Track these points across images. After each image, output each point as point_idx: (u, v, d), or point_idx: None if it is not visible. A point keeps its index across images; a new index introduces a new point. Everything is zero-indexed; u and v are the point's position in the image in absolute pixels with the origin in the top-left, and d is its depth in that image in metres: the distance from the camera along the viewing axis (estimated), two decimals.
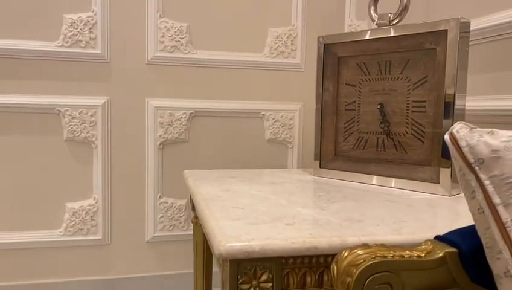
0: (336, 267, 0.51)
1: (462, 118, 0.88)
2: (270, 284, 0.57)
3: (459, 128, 0.44)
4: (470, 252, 0.50)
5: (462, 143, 0.43)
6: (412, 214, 0.72)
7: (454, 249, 0.50)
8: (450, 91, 0.87)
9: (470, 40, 0.92)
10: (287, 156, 2.05)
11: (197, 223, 1.14)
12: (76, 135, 1.78)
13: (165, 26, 1.83)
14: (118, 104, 1.83)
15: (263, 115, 1.96)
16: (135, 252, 1.89)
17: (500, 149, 0.41)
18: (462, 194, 0.90)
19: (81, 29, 1.76)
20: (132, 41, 1.83)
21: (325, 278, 0.59)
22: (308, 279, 0.58)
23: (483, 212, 0.42)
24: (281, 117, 1.98)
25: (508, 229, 0.39)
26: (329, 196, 0.84)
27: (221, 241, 0.54)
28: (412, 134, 0.95)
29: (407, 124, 0.95)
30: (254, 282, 0.56)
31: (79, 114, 1.78)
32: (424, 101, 0.92)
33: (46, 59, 1.75)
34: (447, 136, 0.45)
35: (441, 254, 0.50)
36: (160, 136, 1.86)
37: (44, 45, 1.74)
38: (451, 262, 0.50)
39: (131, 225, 1.88)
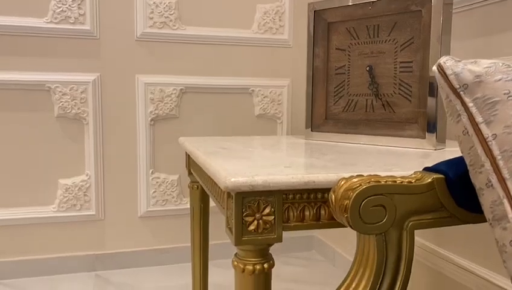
0: (333, 195, 0.56)
1: None
2: (272, 217, 0.61)
3: (446, 60, 0.49)
4: (455, 178, 0.55)
5: (449, 72, 0.47)
6: (401, 161, 0.77)
7: (441, 176, 0.55)
8: (435, 51, 0.92)
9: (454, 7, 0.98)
10: (276, 132, 2.09)
11: (194, 188, 1.17)
12: (68, 111, 1.79)
13: (154, 2, 1.84)
14: (108, 80, 1.84)
15: (252, 91, 2.00)
16: (128, 227, 1.92)
17: (482, 74, 0.45)
18: (447, 148, 0.96)
19: (69, 5, 1.76)
20: (121, 17, 1.84)
21: (322, 212, 0.63)
22: (307, 213, 0.63)
23: (468, 132, 0.47)
24: (270, 93, 2.02)
25: (489, 143, 0.44)
26: (322, 151, 0.89)
27: (227, 176, 0.58)
28: (399, 94, 1.00)
29: (395, 84, 1.00)
30: (257, 215, 0.60)
31: (69, 91, 1.79)
32: (411, 62, 0.97)
33: (34, 36, 1.75)
34: (435, 68, 0.50)
35: (429, 180, 0.54)
36: (151, 112, 1.88)
37: (32, 21, 1.74)
38: (439, 187, 0.55)
39: (124, 201, 1.90)
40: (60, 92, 1.77)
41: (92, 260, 1.87)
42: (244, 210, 0.60)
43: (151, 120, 1.89)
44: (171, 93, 1.90)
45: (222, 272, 1.84)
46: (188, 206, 1.95)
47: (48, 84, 1.76)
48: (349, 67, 1.08)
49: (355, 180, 0.54)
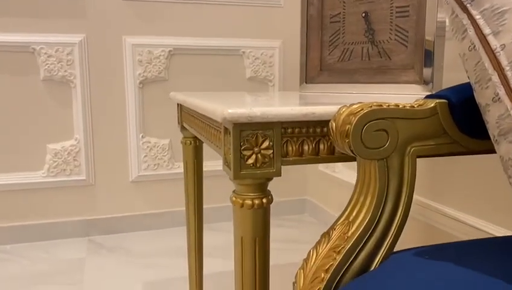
0: (334, 123, 0.54)
1: (443, 19, 0.91)
2: (271, 151, 0.60)
3: None
4: (458, 102, 0.53)
5: None
6: (401, 100, 0.76)
7: (444, 100, 0.54)
8: None
9: None
10: None
11: (186, 143, 1.15)
12: (54, 74, 1.74)
13: None
14: (94, 42, 1.79)
15: (243, 52, 1.96)
16: (120, 192, 1.90)
17: None
18: None
19: None
20: None
21: (321, 146, 0.62)
22: (306, 147, 0.61)
23: (474, 47, 0.45)
24: (261, 55, 1.98)
25: (496, 54, 0.43)
26: (318, 100, 0.87)
27: (224, 108, 0.56)
28: (395, 40, 0.98)
29: (391, 30, 0.98)
30: (256, 149, 0.59)
31: (55, 52, 1.74)
32: (407, 6, 0.95)
33: None
34: None
35: (432, 104, 0.53)
36: (139, 74, 1.84)
37: None
38: (442, 112, 0.53)
39: (115, 165, 1.88)
40: (45, 53, 1.72)
41: (84, 225, 1.86)
42: (242, 144, 0.59)
43: (140, 83, 1.85)
44: (160, 55, 1.85)
45: (217, 235, 1.85)
46: (180, 170, 1.93)
47: (32, 45, 1.71)
48: (344, 15, 1.05)
49: (356, 106, 0.53)
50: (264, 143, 0.59)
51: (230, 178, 0.60)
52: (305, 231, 1.98)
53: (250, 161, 0.59)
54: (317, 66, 1.12)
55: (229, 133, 0.59)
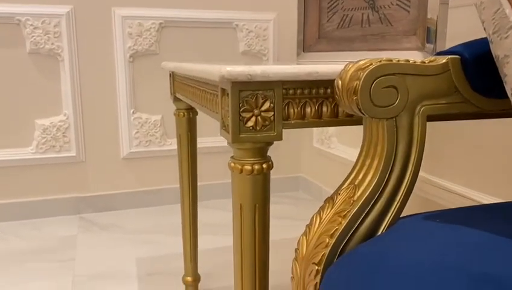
0: (340, 81, 0.51)
1: None
2: (272, 113, 0.56)
3: None
4: (472, 59, 0.50)
5: None
6: None
7: (456, 56, 0.51)
8: None
9: None
10: None
11: (180, 115, 1.11)
12: (40, 46, 1.68)
13: None
14: (82, 13, 1.72)
15: (236, 25, 1.90)
16: (111, 169, 1.86)
17: None
18: None
19: None
20: None
21: (324, 109, 0.59)
22: (308, 110, 0.58)
23: None
24: (255, 28, 1.93)
25: None
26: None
27: (222, 67, 0.53)
28: (397, 5, 0.94)
29: None
30: (256, 111, 0.56)
31: (41, 24, 1.67)
32: None
33: None
34: None
35: (444, 60, 0.50)
36: (129, 47, 1.79)
37: None
38: (454, 68, 0.50)
39: (106, 142, 1.84)
40: (31, 25, 1.66)
41: (75, 202, 1.82)
42: (241, 105, 0.55)
43: (130, 56, 1.79)
44: (150, 28, 1.79)
45: (211, 212, 1.82)
46: (173, 147, 1.90)
47: (17, 17, 1.64)
48: None
49: (364, 61, 0.49)
50: (265, 105, 0.56)
51: (229, 142, 0.57)
52: (299, 207, 1.96)
53: (250, 124, 0.56)
54: (315, 34, 1.08)
55: (227, 95, 0.56)
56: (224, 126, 0.60)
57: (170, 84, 1.14)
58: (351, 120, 0.60)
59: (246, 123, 0.56)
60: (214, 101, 0.67)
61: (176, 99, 1.12)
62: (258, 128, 0.56)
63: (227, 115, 0.57)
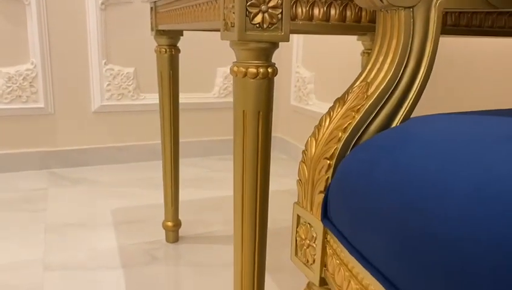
0: None
1: None
2: (279, 11, 0.53)
3: None
4: None
5: None
6: None
7: None
8: None
9: None
10: None
11: (161, 52, 1.06)
12: None
13: None
14: None
15: None
16: (82, 122, 1.79)
17: None
18: None
19: None
20: None
21: (332, 12, 0.56)
22: (316, 11, 0.56)
23: None
24: None
25: None
26: None
27: None
28: None
29: None
30: (263, 7, 0.52)
31: None
32: None
33: None
34: None
35: None
36: None
37: None
38: None
39: (76, 94, 1.75)
40: None
41: (44, 157, 1.74)
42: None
43: (102, 4, 1.70)
44: None
45: (189, 169, 1.79)
46: (147, 102, 1.84)
47: None
48: None
49: None
50: (272, 1, 0.53)
51: (234, 39, 0.54)
52: (277, 165, 1.95)
53: (257, 20, 0.53)
54: None
55: None
56: (226, 28, 0.57)
57: (151, 18, 1.09)
58: (358, 26, 0.59)
59: (252, 19, 0.53)
60: (212, 7, 0.63)
61: (158, 34, 1.06)
62: (265, 26, 0.53)
63: (233, 10, 0.53)
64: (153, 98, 1.82)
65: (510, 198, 0.26)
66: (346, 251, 0.41)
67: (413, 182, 0.32)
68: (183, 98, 1.73)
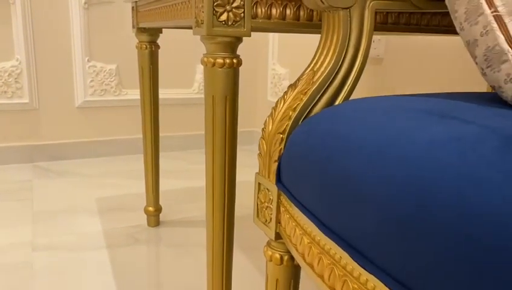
0: None
1: None
2: (242, 10, 0.63)
3: None
4: None
5: None
6: None
7: None
8: None
9: None
10: None
11: (142, 48, 1.15)
12: None
13: None
14: None
15: None
16: (65, 117, 1.86)
17: None
18: None
19: None
20: None
21: (288, 12, 0.66)
22: (274, 11, 0.66)
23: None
24: None
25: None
26: None
27: None
28: None
29: None
30: (228, 7, 0.62)
31: None
32: None
33: None
34: None
35: None
36: None
37: None
38: None
39: (60, 90, 1.82)
40: None
41: (28, 150, 1.80)
42: (214, 0, 0.61)
43: (85, 3, 1.77)
44: None
45: (169, 161, 1.87)
46: (128, 97, 1.92)
47: None
48: None
49: None
50: (236, 2, 0.63)
51: (203, 34, 0.63)
52: (254, 158, 2.05)
53: (223, 18, 0.62)
54: None
55: None
56: (197, 24, 0.66)
57: (133, 17, 1.17)
58: (311, 24, 0.69)
59: (219, 17, 0.62)
60: (186, 7, 0.73)
61: (139, 32, 1.15)
62: (229, 23, 0.63)
63: (202, 9, 0.63)
64: (134, 94, 1.90)
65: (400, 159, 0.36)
66: (293, 205, 0.51)
67: (331, 142, 0.42)
68: (165, 93, 1.82)
